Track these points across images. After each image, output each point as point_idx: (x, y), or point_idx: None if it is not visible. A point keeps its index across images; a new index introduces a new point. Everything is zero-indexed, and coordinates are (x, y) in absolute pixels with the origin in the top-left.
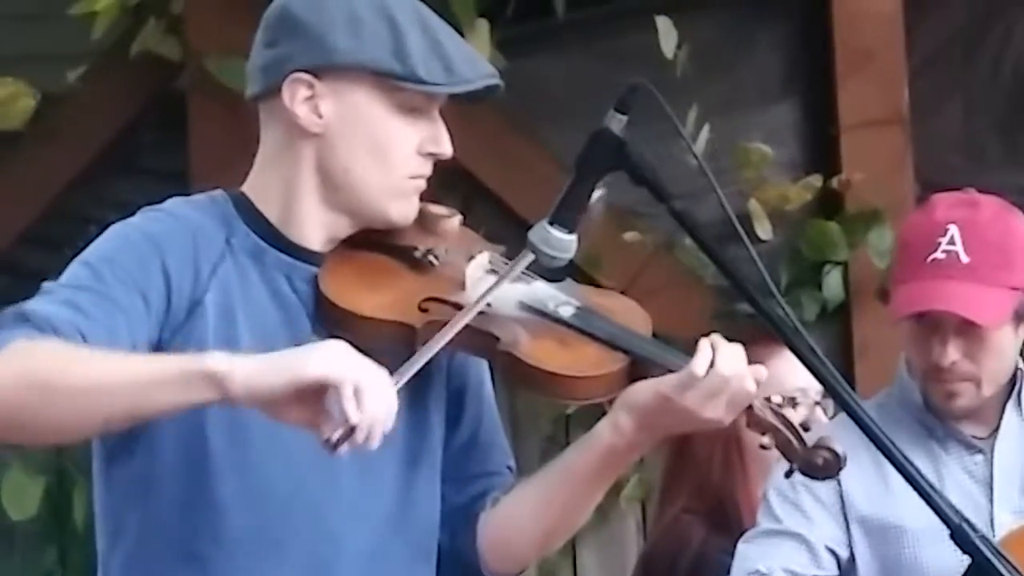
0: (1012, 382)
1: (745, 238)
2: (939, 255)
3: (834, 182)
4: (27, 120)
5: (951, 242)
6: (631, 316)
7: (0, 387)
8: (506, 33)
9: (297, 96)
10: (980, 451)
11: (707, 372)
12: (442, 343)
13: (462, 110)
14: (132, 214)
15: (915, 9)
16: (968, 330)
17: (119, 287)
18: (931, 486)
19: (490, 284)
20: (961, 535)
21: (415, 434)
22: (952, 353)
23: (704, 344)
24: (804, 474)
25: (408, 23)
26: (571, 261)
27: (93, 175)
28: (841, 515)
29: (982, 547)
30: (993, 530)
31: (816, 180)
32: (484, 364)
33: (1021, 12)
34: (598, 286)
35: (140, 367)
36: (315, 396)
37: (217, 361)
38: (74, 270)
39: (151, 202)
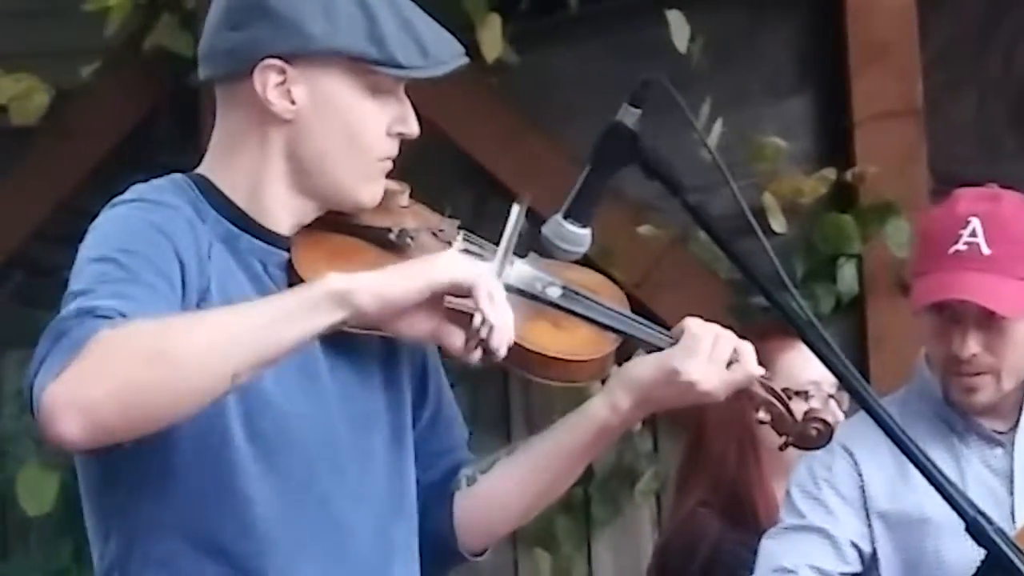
0: None
1: (759, 231)
2: (961, 247)
3: (848, 175)
4: (41, 116)
5: (973, 234)
6: (609, 293)
7: (119, 373)
8: (519, 28)
9: (269, 82)
10: (1000, 445)
11: (703, 351)
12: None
13: (475, 105)
14: None
15: (928, 1)
16: (989, 322)
17: (149, 274)
18: (947, 478)
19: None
20: (976, 527)
21: (395, 414)
22: (972, 345)
23: (699, 323)
24: (797, 446)
25: (378, 2)
26: (585, 255)
27: (107, 170)
28: (863, 510)
29: (998, 540)
30: (1014, 523)
31: (830, 173)
32: None
33: None
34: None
35: (256, 310)
36: (437, 307)
37: (339, 280)
38: (95, 269)
39: None
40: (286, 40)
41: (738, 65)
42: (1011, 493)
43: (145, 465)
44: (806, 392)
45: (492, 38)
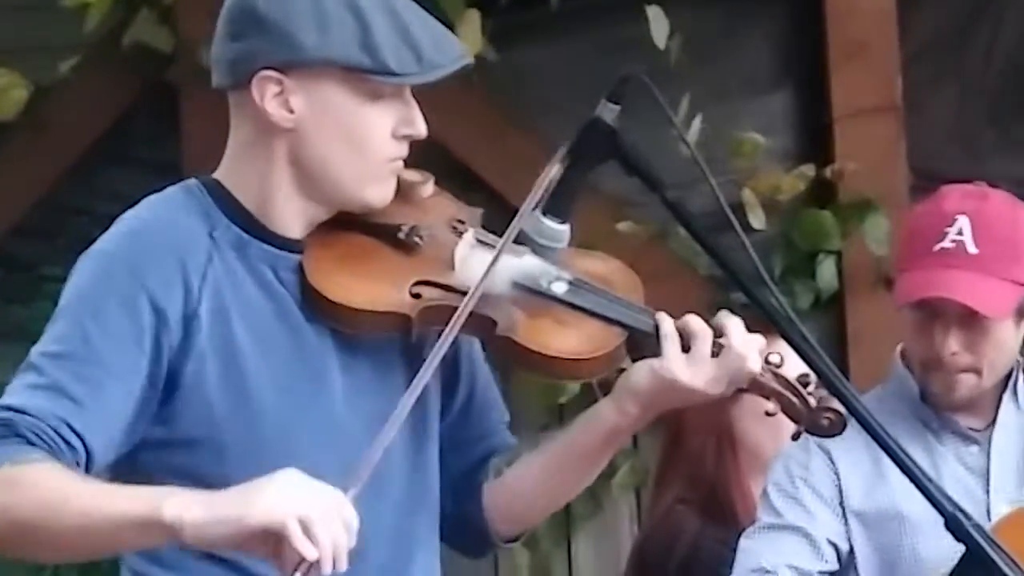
0: (1008, 374)
1: (738, 227)
2: (947, 244)
3: (827, 171)
4: (19, 111)
5: (959, 232)
6: (622, 280)
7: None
8: (498, 24)
9: (267, 93)
10: (976, 442)
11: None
12: (449, 341)
13: (456, 101)
14: (126, 205)
15: None
16: (971, 321)
17: (107, 344)
18: (925, 475)
19: (478, 259)
20: (955, 524)
21: (416, 407)
22: (953, 343)
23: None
24: (811, 433)
25: (373, 9)
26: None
27: (85, 166)
28: (840, 508)
29: (976, 536)
30: (990, 521)
31: (809, 169)
32: None
33: (1013, 0)
34: None
35: (108, 508)
36: (268, 535)
37: (172, 509)
38: (59, 327)
39: (144, 193)
40: (279, 51)
41: (717, 61)
42: (987, 491)
43: (150, 469)
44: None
45: (471, 34)
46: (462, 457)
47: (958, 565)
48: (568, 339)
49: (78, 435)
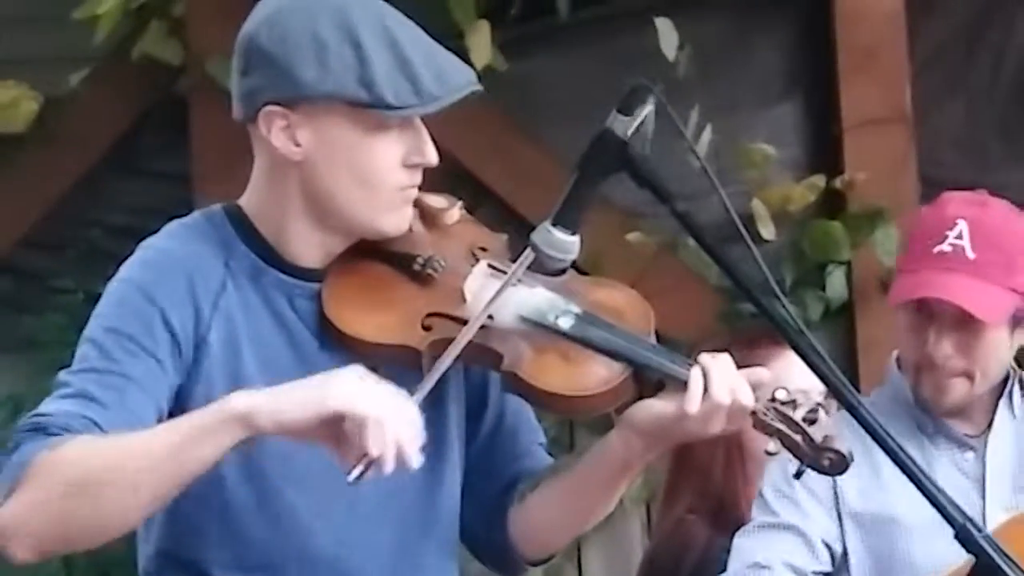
0: (1004, 381)
1: (748, 238)
2: (945, 247)
3: (837, 182)
4: (30, 123)
5: (959, 236)
6: (632, 312)
7: (43, 503)
8: (508, 35)
9: (273, 127)
10: (971, 448)
11: (700, 404)
12: (449, 361)
13: (465, 112)
14: (135, 217)
15: (917, 8)
16: (965, 325)
17: (128, 359)
18: (936, 485)
19: (491, 291)
20: (965, 534)
21: (435, 434)
22: (946, 346)
23: (695, 375)
24: (814, 471)
25: (374, 43)
26: (573, 262)
27: (95, 178)
28: (835, 510)
29: (986, 546)
30: (986, 527)
31: (819, 180)
32: None
33: (1022, 9)
34: None
35: (168, 435)
36: (339, 423)
37: (241, 401)
38: (82, 350)
39: (153, 204)
40: (281, 87)
41: (727, 72)
42: (983, 497)
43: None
44: (794, 400)
45: (481, 45)
46: (492, 482)
47: None
48: (571, 376)
49: (104, 432)
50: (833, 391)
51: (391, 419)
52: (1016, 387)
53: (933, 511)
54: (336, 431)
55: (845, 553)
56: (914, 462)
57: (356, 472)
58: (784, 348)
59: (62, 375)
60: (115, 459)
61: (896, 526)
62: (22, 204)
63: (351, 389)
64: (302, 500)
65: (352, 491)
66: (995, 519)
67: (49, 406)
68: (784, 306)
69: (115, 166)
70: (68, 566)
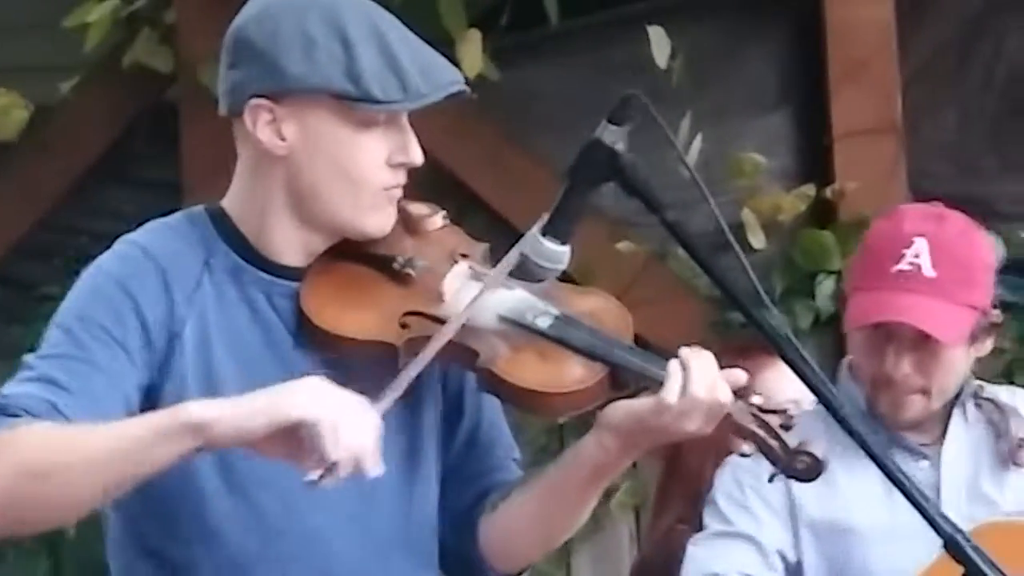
0: (957, 392)
1: (737, 248)
2: (904, 266)
3: (827, 191)
4: (20, 131)
5: (916, 255)
6: (611, 318)
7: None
8: (499, 43)
9: (259, 121)
10: (926, 457)
11: (679, 397)
12: (422, 365)
13: (456, 121)
14: (126, 225)
15: (908, 18)
16: (924, 344)
17: (96, 346)
18: (923, 495)
19: (470, 292)
20: (954, 545)
21: (410, 441)
22: (905, 366)
23: (674, 368)
24: (788, 476)
25: (362, 39)
26: (564, 272)
27: (86, 186)
28: (789, 519)
29: (975, 558)
30: None
31: (809, 189)
32: None
33: (1013, 21)
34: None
35: (124, 432)
36: (296, 433)
37: (197, 410)
38: (51, 335)
39: (143, 213)
40: (268, 80)
41: (718, 81)
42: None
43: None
44: (784, 410)
45: (472, 53)
46: (463, 491)
47: None
48: (546, 373)
49: (65, 417)
50: (822, 401)
51: (347, 424)
52: (969, 396)
53: (890, 519)
54: (296, 440)
55: (799, 562)
56: (903, 472)
57: (313, 476)
58: (774, 358)
59: (27, 358)
60: (67, 450)
61: (852, 535)
62: (12, 212)
63: (309, 396)
64: (272, 501)
65: (329, 502)
66: None
67: (11, 388)
68: (773, 316)
69: (106, 174)
70: (56, 565)
